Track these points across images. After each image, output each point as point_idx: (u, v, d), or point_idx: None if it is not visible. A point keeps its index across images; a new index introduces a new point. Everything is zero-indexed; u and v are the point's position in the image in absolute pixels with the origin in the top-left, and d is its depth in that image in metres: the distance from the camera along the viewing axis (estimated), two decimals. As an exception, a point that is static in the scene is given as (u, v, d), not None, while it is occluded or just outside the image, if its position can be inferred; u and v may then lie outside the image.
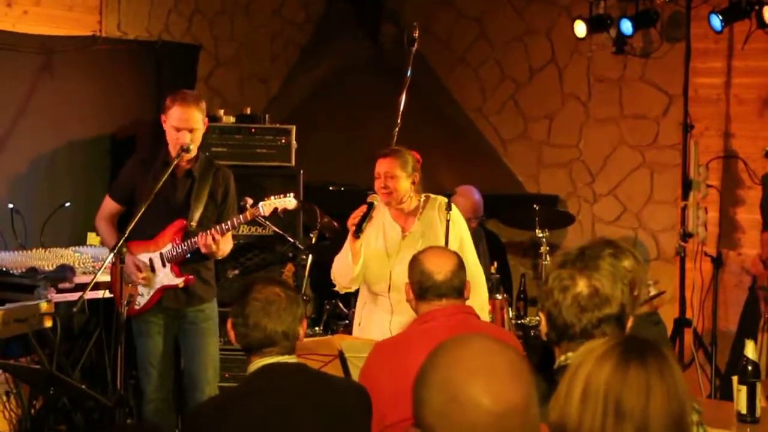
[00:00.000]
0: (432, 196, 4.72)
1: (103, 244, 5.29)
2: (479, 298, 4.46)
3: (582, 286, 2.36)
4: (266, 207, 4.80)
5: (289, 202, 4.84)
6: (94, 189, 6.23)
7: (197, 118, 4.80)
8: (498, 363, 1.66)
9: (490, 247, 6.70)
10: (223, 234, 4.79)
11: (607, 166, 7.70)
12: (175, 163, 4.79)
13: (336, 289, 4.76)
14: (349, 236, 4.56)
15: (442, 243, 4.53)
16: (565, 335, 2.38)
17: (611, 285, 2.36)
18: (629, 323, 2.41)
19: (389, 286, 4.53)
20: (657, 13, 7.06)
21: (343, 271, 4.61)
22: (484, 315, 4.57)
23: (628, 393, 1.75)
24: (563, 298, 2.37)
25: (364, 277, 4.64)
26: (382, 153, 4.64)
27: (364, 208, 4.56)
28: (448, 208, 4.62)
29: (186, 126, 4.76)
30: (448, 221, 4.60)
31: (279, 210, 4.82)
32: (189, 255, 4.86)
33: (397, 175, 4.57)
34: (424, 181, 4.70)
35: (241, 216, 4.82)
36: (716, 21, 6.55)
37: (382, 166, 4.59)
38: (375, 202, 4.57)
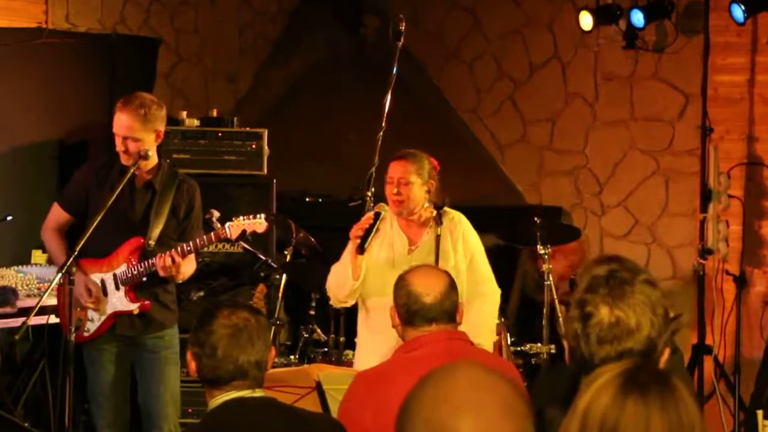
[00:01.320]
0: (447, 209, 4.74)
1: (49, 260, 5.26)
2: (490, 318, 4.53)
3: (603, 314, 2.35)
4: (233, 229, 4.80)
5: (259, 224, 4.83)
6: (39, 201, 6.18)
7: (133, 127, 4.76)
8: (487, 399, 1.65)
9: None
10: (184, 256, 4.78)
11: (616, 174, 7.71)
12: (132, 171, 4.77)
13: (331, 303, 4.77)
14: (351, 248, 4.56)
15: (457, 259, 4.54)
16: (584, 368, 2.37)
17: (638, 315, 2.35)
18: (664, 357, 2.39)
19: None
20: (672, 4, 7.09)
21: (340, 284, 4.63)
22: (491, 338, 4.60)
23: (625, 426, 1.76)
24: (583, 327, 2.36)
25: (361, 290, 4.66)
26: (396, 156, 4.67)
27: (370, 218, 4.56)
28: (438, 222, 4.64)
29: (122, 133, 4.77)
30: (438, 236, 4.61)
31: (248, 233, 4.82)
32: (146, 278, 4.83)
33: (412, 181, 4.60)
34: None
35: (205, 237, 4.82)
36: (738, 12, 6.57)
37: (395, 170, 4.62)
38: (383, 213, 4.58)
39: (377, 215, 4.56)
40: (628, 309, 2.35)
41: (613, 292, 2.36)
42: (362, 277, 4.60)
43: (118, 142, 4.81)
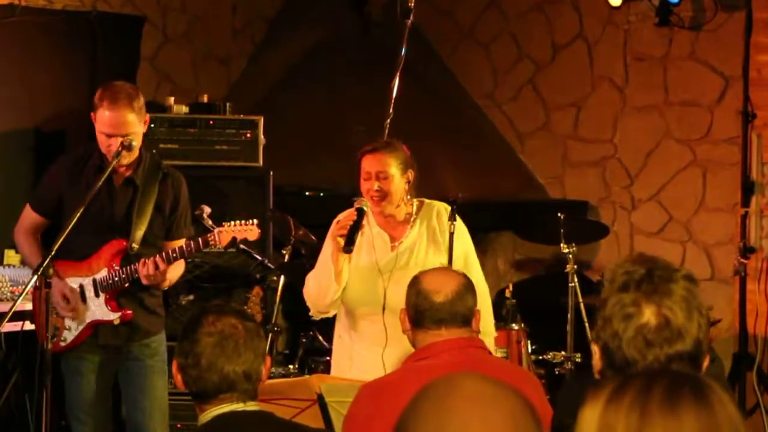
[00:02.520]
0: (427, 201, 4.72)
1: (24, 262, 5.28)
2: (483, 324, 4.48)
3: (649, 315, 2.35)
4: (223, 235, 4.81)
5: (251, 231, 4.85)
6: (13, 196, 6.21)
7: (130, 122, 4.78)
8: (491, 414, 1.65)
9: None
10: (169, 263, 4.80)
11: (648, 165, 7.71)
12: (113, 167, 4.78)
13: (311, 313, 4.76)
14: (332, 250, 4.54)
15: (443, 258, 4.54)
16: (624, 375, 2.37)
17: (685, 315, 2.36)
18: (705, 363, 2.40)
19: (383, 308, 4.51)
20: (710, -24, 7.09)
21: (322, 292, 4.60)
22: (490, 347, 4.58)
23: None
24: (624, 328, 2.36)
25: (344, 298, 4.63)
26: (369, 148, 4.60)
27: (352, 215, 4.54)
28: (452, 218, 4.62)
29: (117, 132, 4.76)
30: (451, 234, 4.59)
31: (238, 240, 4.84)
32: (128, 283, 4.85)
33: (392, 174, 4.55)
34: (421, 183, 4.69)
35: (192, 243, 4.82)
36: (782, -15, 6.57)
37: (371, 163, 4.57)
38: (365, 208, 4.56)
39: (360, 211, 4.52)
40: (676, 307, 2.35)
41: (658, 289, 2.36)
42: (345, 281, 4.57)
43: (108, 142, 4.75)
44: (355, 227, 4.49)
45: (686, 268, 2.44)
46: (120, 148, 4.76)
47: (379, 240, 4.65)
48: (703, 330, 2.36)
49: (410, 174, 4.61)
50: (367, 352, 4.56)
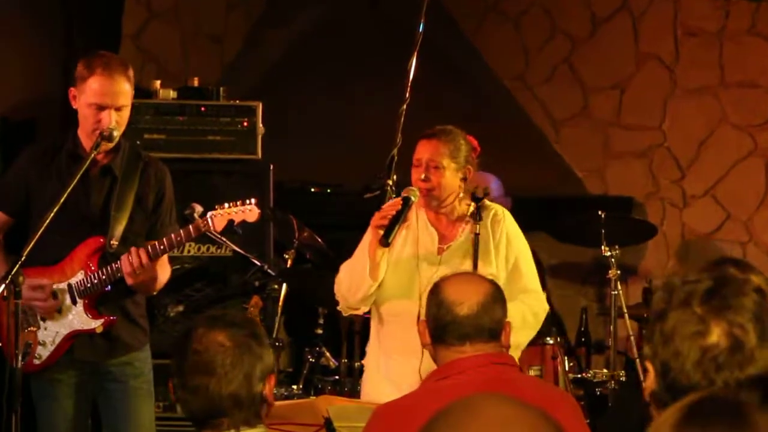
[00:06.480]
0: (487, 202, 4.77)
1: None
2: (530, 312, 4.58)
3: (718, 334, 2.35)
4: (218, 219, 4.80)
5: (250, 212, 4.84)
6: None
7: (126, 92, 4.81)
8: None
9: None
10: (157, 257, 4.79)
11: (702, 155, 7.71)
12: (93, 156, 4.79)
13: (339, 308, 4.79)
14: (371, 240, 4.60)
15: (498, 266, 4.60)
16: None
17: (758, 334, 2.35)
18: None
19: (419, 315, 4.53)
20: (771, -61, 7.08)
21: (354, 286, 4.65)
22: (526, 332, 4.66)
23: None
24: (689, 349, 2.35)
25: (377, 296, 4.69)
26: (426, 133, 4.70)
27: (398, 203, 4.59)
28: (477, 217, 4.67)
29: (112, 102, 4.77)
30: (476, 235, 4.63)
31: (236, 223, 4.83)
32: (109, 287, 4.86)
33: (444, 165, 4.63)
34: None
35: (182, 232, 4.81)
36: None
37: (424, 150, 4.65)
38: (413, 198, 4.61)
39: (406, 200, 4.59)
40: (749, 325, 2.34)
41: (727, 304, 2.35)
42: (382, 276, 4.62)
43: (99, 116, 4.74)
44: (398, 218, 4.54)
45: (758, 273, 2.42)
46: (99, 139, 4.76)
47: (426, 237, 4.71)
48: None
49: (468, 170, 4.68)
50: (402, 363, 4.57)
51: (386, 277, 4.65)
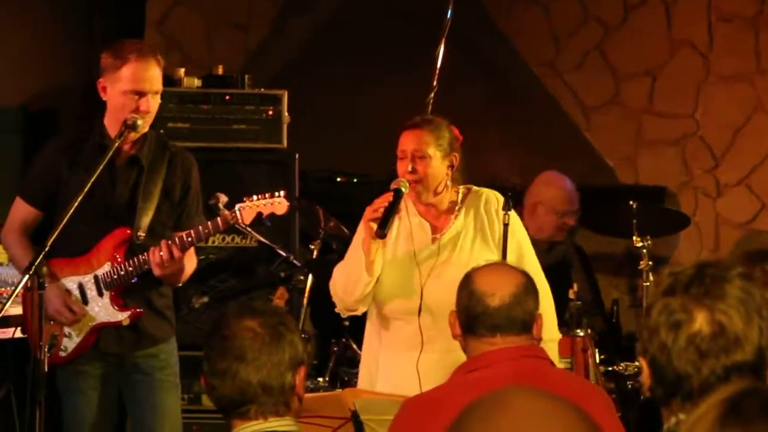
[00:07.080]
0: (475, 188, 4.76)
1: (12, 262, 5.30)
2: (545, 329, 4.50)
3: (701, 321, 2.36)
4: (246, 211, 4.82)
5: (279, 204, 4.87)
6: (-1, 184, 6.28)
7: (160, 77, 4.85)
8: None
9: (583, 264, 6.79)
10: (185, 249, 4.81)
11: (737, 143, 7.68)
12: (118, 145, 4.81)
13: (337, 310, 4.80)
14: (365, 236, 4.60)
15: (496, 252, 4.57)
16: (677, 391, 2.38)
17: (743, 320, 2.36)
18: None
19: (419, 308, 4.56)
20: None
21: (350, 286, 4.64)
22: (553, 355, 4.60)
23: None
24: (674, 339, 2.37)
25: (375, 294, 4.67)
26: (408, 124, 4.68)
27: (389, 196, 4.60)
28: (506, 207, 4.65)
29: (150, 87, 4.80)
30: (505, 226, 4.62)
31: (264, 215, 4.85)
32: (136, 278, 4.88)
33: (430, 154, 4.62)
34: (470, 167, 4.72)
35: (210, 224, 4.83)
36: None
37: (408, 141, 4.65)
38: (404, 189, 4.62)
39: (398, 192, 4.59)
40: (731, 311, 2.36)
41: (709, 291, 2.37)
42: (378, 273, 4.62)
43: (138, 102, 4.76)
44: (391, 209, 4.55)
45: (742, 266, 2.43)
46: (123, 128, 4.79)
47: (419, 230, 4.70)
48: (765, 336, 2.36)
49: (454, 158, 4.67)
50: (400, 358, 4.59)
51: (384, 275, 4.64)
